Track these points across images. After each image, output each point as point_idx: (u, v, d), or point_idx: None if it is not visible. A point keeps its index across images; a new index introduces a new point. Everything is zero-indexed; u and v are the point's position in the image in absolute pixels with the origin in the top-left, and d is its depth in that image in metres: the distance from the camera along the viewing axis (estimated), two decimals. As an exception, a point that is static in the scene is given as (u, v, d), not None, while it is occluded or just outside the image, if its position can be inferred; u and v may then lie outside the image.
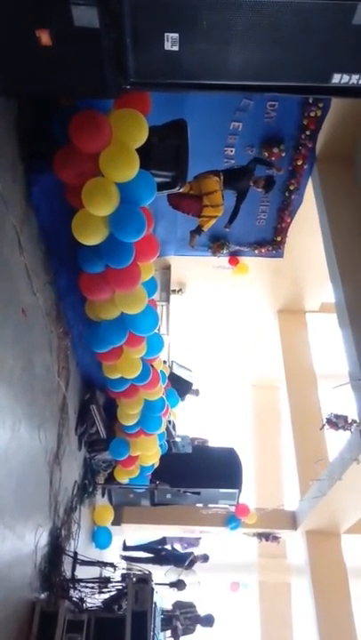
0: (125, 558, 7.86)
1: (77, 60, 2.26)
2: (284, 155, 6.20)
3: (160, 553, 8.24)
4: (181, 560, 7.65)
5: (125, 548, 8.53)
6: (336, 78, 2.39)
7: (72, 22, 2.03)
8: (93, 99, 2.93)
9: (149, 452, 5.91)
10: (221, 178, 4.74)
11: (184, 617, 6.68)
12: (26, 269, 3.24)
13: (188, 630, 6.70)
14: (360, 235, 6.12)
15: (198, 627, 6.90)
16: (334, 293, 6.29)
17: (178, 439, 7.46)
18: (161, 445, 6.20)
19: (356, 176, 6.36)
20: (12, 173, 2.96)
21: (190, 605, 7.01)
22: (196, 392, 8.35)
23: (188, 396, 7.99)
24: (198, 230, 4.99)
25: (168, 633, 6.37)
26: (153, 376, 4.95)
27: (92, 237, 3.28)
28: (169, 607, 6.80)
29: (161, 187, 3.52)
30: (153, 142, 3.29)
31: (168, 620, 6.33)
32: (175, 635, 6.29)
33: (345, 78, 2.39)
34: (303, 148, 6.21)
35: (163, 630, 5.93)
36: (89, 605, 4.15)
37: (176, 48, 2.17)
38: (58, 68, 2.31)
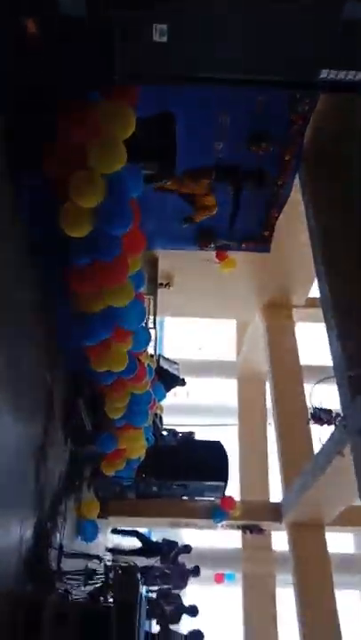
0: (111, 551, 7.90)
1: (64, 50, 2.25)
2: (271, 150, 6.20)
3: (146, 541, 8.30)
4: (167, 552, 7.69)
5: (115, 531, 8.61)
6: (324, 73, 2.41)
7: (58, 10, 2.00)
8: (81, 90, 2.91)
9: (136, 446, 5.92)
10: (213, 176, 4.72)
11: (168, 606, 6.74)
12: (12, 262, 3.21)
13: (174, 619, 6.76)
14: (346, 230, 6.17)
15: (183, 616, 6.97)
16: (319, 289, 6.35)
17: (164, 432, 7.50)
18: (147, 439, 6.21)
19: (343, 172, 6.41)
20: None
21: (175, 596, 7.07)
22: (182, 382, 8.39)
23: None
24: (190, 220, 4.96)
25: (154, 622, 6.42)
26: (140, 370, 4.95)
27: (79, 229, 3.27)
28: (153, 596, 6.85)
29: (148, 179, 3.51)
30: (141, 135, 3.27)
31: (154, 606, 6.38)
32: (163, 620, 6.32)
33: (333, 74, 2.41)
34: (291, 144, 6.21)
35: (149, 618, 5.97)
36: (75, 597, 4.16)
37: (165, 39, 2.17)
38: (44, 60, 2.29)
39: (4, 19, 2.10)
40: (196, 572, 7.27)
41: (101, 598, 4.20)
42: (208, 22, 2.14)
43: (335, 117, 6.02)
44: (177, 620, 6.74)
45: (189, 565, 7.45)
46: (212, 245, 7.69)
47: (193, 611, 6.91)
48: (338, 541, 10.10)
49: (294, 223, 7.15)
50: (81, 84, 2.77)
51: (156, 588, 7.06)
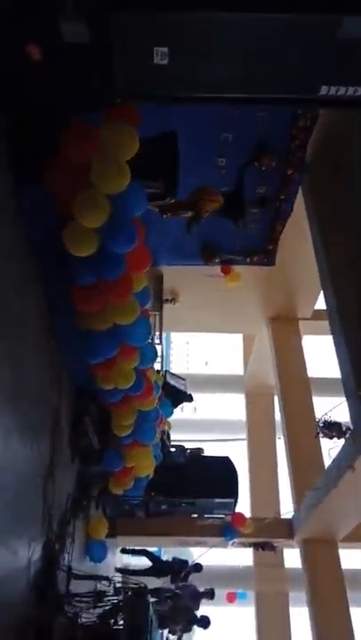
0: (121, 571, 7.79)
1: (68, 73, 2.28)
2: (274, 164, 6.24)
3: (156, 560, 8.19)
4: (178, 572, 7.58)
5: (124, 550, 8.50)
6: (324, 90, 2.42)
7: (62, 38, 2.04)
8: (84, 112, 2.95)
9: (144, 463, 5.87)
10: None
11: (181, 617, 6.71)
12: (18, 281, 3.23)
13: (185, 629, 6.73)
14: (351, 242, 6.17)
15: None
16: (326, 301, 6.32)
17: (172, 449, 7.44)
18: (155, 456, 6.16)
19: (345, 184, 6.43)
20: (2, 184, 2.96)
21: (186, 608, 6.97)
22: (189, 398, 8.35)
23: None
24: (193, 222, 4.94)
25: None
26: (147, 386, 4.93)
27: (83, 249, 3.28)
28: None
29: (152, 198, 3.53)
30: (144, 154, 3.30)
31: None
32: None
33: (332, 90, 2.42)
34: (293, 158, 6.25)
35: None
36: (84, 621, 4.09)
37: (165, 62, 2.20)
38: (48, 82, 2.33)
39: (9, 46, 2.14)
40: (210, 594, 7.14)
41: (111, 621, 4.13)
42: (208, 43, 2.17)
43: (338, 130, 6.06)
44: (188, 629, 6.72)
45: (201, 586, 7.34)
46: (217, 260, 7.72)
47: (205, 621, 6.84)
48: (351, 557, 9.90)
49: (298, 235, 7.16)
50: (83, 105, 2.81)
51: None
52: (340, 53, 2.29)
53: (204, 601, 7.27)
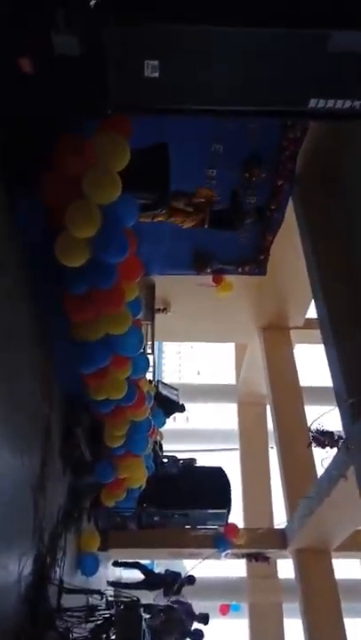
0: (113, 584, 7.69)
1: (59, 86, 2.30)
2: (264, 175, 6.30)
3: (148, 573, 8.10)
4: (170, 585, 7.50)
5: (116, 563, 8.40)
6: (313, 103, 2.46)
7: (53, 50, 2.06)
8: (75, 123, 2.96)
9: (136, 475, 5.82)
10: (207, 225, 4.74)
11: (174, 629, 6.62)
12: (8, 291, 3.21)
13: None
14: (341, 251, 6.22)
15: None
16: (317, 311, 6.36)
17: (164, 460, 7.38)
18: (148, 467, 6.12)
19: (335, 194, 6.50)
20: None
21: (180, 620, 6.89)
22: (182, 408, 8.32)
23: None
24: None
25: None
26: (139, 396, 4.91)
27: (75, 259, 3.28)
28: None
29: (143, 208, 3.55)
30: (135, 165, 3.32)
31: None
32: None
33: (321, 103, 2.46)
34: (283, 169, 6.32)
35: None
36: (75, 636, 4.03)
37: (156, 75, 2.22)
38: (40, 94, 2.34)
39: (1, 58, 2.15)
40: (204, 620, 7.05)
41: (103, 636, 4.07)
42: (198, 57, 2.20)
43: (328, 142, 6.14)
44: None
45: (194, 598, 7.26)
46: (209, 270, 7.75)
47: (198, 635, 6.76)
48: (345, 567, 9.87)
49: (289, 245, 7.21)
50: (75, 117, 2.83)
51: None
52: (329, 67, 2.33)
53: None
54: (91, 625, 4.24)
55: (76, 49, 2.04)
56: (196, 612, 7.12)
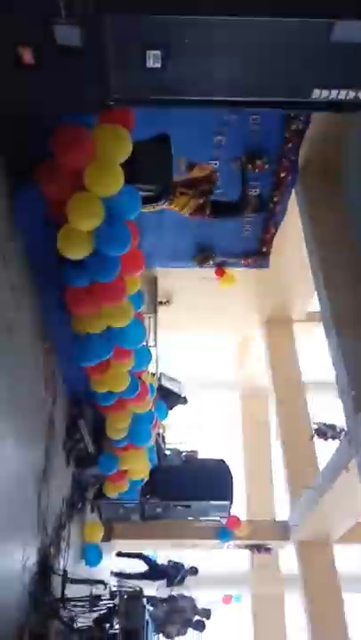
0: (116, 574, 7.76)
1: (60, 76, 2.28)
2: (266, 167, 6.27)
3: (151, 563, 8.16)
4: (173, 575, 7.56)
5: (119, 554, 8.47)
6: (316, 94, 2.43)
7: (55, 41, 2.04)
8: (77, 115, 2.95)
9: (139, 466, 5.85)
10: (208, 212, 4.57)
11: (177, 618, 6.69)
12: (10, 284, 3.22)
13: (180, 632, 6.71)
14: (343, 244, 6.20)
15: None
16: (320, 303, 6.35)
17: (167, 452, 7.41)
18: (150, 459, 6.15)
19: (338, 185, 6.47)
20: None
21: (182, 609, 6.95)
22: (184, 400, 8.33)
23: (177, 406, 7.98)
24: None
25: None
26: (141, 389, 4.92)
27: (77, 252, 3.28)
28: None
29: (145, 201, 3.53)
30: (137, 157, 3.31)
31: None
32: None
33: (325, 93, 2.44)
34: (286, 161, 6.29)
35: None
36: (79, 625, 4.07)
37: (158, 65, 2.20)
38: (41, 85, 2.32)
39: (1, 48, 2.14)
40: (207, 614, 7.09)
41: (107, 625, 4.11)
42: (200, 47, 2.18)
43: (330, 133, 6.10)
44: (183, 632, 6.74)
45: (197, 589, 7.31)
46: (211, 262, 7.74)
47: (200, 625, 6.84)
48: (347, 558, 9.91)
49: (292, 237, 7.19)
50: (76, 108, 2.81)
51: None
52: (332, 57, 2.31)
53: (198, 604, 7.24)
54: (95, 614, 4.29)
55: (77, 39, 2.03)
56: (199, 607, 7.18)
